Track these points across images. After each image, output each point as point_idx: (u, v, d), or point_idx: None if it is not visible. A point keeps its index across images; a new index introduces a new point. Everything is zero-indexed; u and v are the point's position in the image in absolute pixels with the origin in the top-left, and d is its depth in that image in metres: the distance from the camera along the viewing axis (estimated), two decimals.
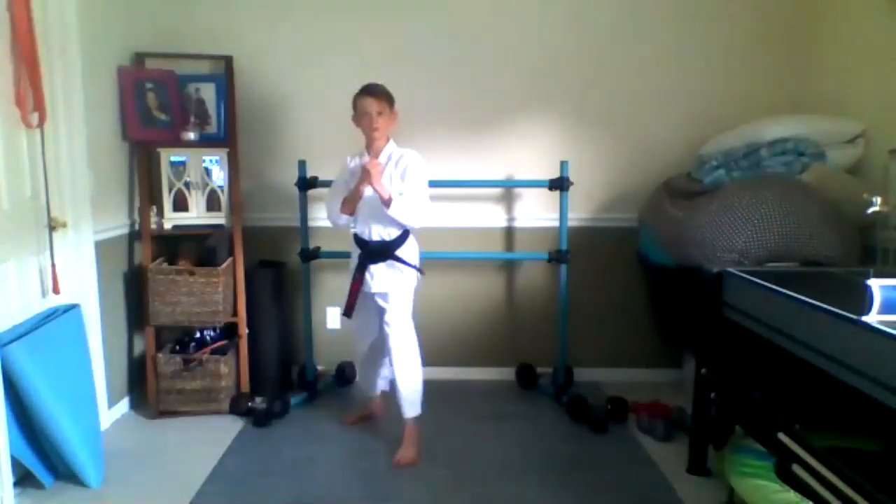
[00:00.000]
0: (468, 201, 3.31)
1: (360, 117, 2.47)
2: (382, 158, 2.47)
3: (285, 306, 3.25)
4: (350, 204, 2.49)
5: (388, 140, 2.53)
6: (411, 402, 2.56)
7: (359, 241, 2.55)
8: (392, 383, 2.60)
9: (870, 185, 2.44)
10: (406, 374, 2.54)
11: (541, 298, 3.34)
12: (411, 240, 2.58)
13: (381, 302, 2.54)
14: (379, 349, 2.69)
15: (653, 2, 3.18)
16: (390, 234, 2.50)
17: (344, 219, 2.54)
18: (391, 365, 2.56)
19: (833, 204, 2.38)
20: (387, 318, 2.52)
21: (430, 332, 3.27)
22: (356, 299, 2.55)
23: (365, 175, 2.35)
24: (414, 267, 2.56)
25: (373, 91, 2.44)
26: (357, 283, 2.53)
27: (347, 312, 2.56)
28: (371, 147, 2.50)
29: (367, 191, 2.42)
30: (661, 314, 3.21)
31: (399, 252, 2.52)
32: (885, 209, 2.12)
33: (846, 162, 2.70)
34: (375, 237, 2.50)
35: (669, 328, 3.13)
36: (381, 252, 2.49)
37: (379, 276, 2.51)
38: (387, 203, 2.36)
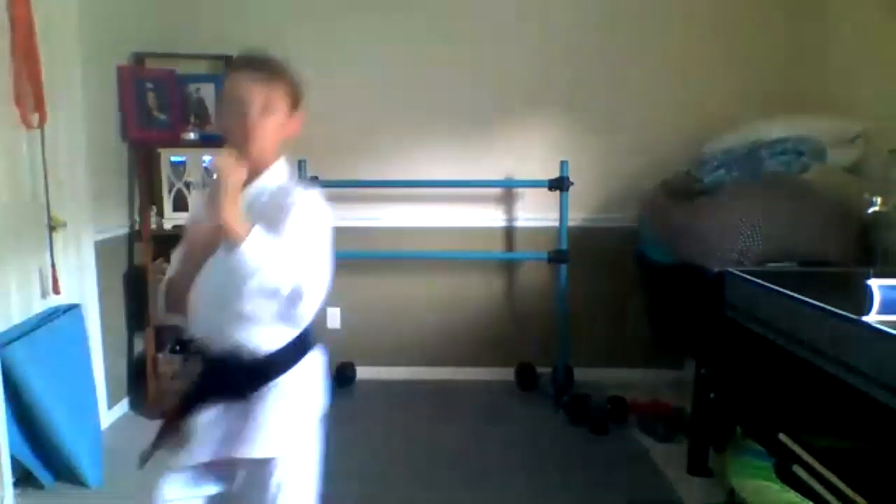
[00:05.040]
0: (468, 201, 3.31)
1: (223, 113, 1.29)
2: (254, 194, 1.29)
3: None
4: (190, 270, 1.28)
5: (275, 158, 1.35)
6: None
7: (202, 352, 1.33)
8: None
9: (870, 185, 2.44)
10: None
11: (541, 298, 3.34)
12: (313, 352, 1.37)
13: (239, 480, 1.30)
14: None
15: (653, 2, 3.18)
16: (270, 339, 1.27)
17: (172, 308, 1.35)
18: None
19: (833, 204, 2.38)
20: None
21: (430, 333, 3.27)
22: (162, 443, 1.32)
23: (216, 187, 1.13)
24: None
25: (254, 64, 1.28)
26: (171, 422, 1.31)
27: (143, 458, 1.33)
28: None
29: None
30: (658, 319, 3.18)
31: (287, 377, 1.29)
32: (885, 209, 2.12)
33: (846, 162, 2.69)
34: (231, 345, 1.26)
35: (667, 333, 3.11)
36: (248, 380, 1.27)
37: (221, 424, 1.26)
38: (234, 241, 1.11)
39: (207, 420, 1.26)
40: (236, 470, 1.29)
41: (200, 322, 1.29)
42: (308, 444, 1.35)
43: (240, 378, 1.26)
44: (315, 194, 1.33)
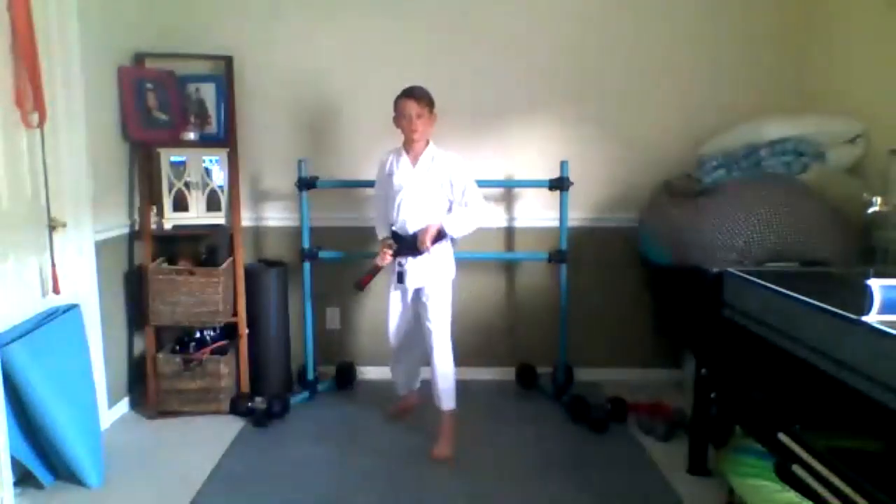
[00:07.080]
0: None
1: (399, 119, 2.54)
2: (423, 161, 2.55)
3: (285, 306, 3.25)
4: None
5: (427, 143, 2.57)
6: (449, 395, 2.60)
7: (395, 235, 2.58)
8: (432, 378, 2.60)
9: (870, 185, 2.44)
10: (445, 368, 2.59)
11: (541, 298, 3.34)
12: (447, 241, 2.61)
13: (419, 296, 2.59)
14: (413, 342, 2.72)
15: (653, 1, 3.18)
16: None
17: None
18: (432, 359, 2.58)
19: (833, 204, 2.38)
20: (428, 313, 2.56)
21: None
22: (373, 278, 2.63)
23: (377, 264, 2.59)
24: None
25: (413, 94, 2.51)
26: (379, 266, 2.59)
27: (359, 285, 2.64)
28: (409, 149, 2.57)
29: (408, 186, 2.54)
30: (661, 314, 3.21)
31: (442, 243, 2.56)
32: (885, 209, 2.12)
33: (846, 162, 2.70)
34: (411, 230, 2.53)
35: (670, 327, 3.13)
36: (415, 245, 2.50)
37: (415, 271, 2.55)
38: (441, 233, 2.50)
39: (409, 267, 2.55)
40: (421, 289, 2.59)
41: (402, 221, 2.54)
42: (450, 274, 2.63)
43: (415, 245, 2.50)
44: (456, 156, 2.60)
